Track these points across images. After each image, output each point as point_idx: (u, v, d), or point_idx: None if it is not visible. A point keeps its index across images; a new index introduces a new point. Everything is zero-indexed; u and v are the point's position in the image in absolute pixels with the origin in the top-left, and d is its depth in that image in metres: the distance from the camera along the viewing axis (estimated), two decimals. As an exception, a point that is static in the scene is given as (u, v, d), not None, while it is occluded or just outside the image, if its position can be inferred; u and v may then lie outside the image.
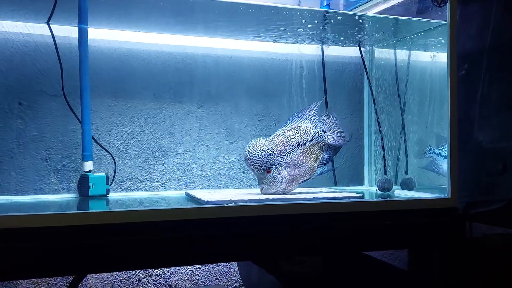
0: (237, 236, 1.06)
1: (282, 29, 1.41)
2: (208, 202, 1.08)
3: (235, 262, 1.56)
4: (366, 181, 1.64)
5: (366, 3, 1.41)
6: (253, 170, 1.21)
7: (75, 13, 1.25)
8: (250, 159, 1.18)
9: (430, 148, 1.41)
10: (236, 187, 1.54)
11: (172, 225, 1.00)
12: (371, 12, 1.43)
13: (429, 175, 1.50)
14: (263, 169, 1.19)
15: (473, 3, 1.46)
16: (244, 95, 1.57)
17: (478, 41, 1.41)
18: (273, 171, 1.20)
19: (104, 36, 1.41)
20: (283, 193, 1.23)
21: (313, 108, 1.30)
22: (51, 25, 1.29)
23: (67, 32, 1.35)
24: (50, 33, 1.29)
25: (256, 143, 1.20)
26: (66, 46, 1.36)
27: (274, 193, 1.21)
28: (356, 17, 1.38)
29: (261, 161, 1.18)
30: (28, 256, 0.91)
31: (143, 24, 1.39)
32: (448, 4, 1.21)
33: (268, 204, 1.09)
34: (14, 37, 1.33)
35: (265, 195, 1.20)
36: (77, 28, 1.28)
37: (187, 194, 1.32)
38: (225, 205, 1.05)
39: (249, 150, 1.19)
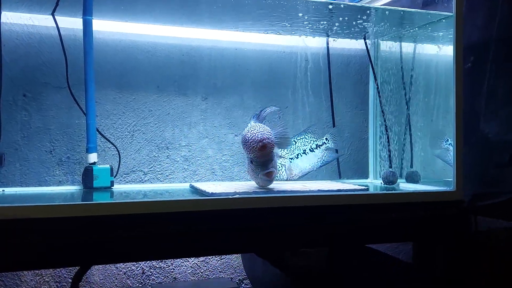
0: (241, 228, 1.06)
1: (286, 21, 1.40)
2: (212, 194, 1.08)
3: (239, 255, 1.56)
4: (371, 174, 1.63)
5: (372, -6, 1.40)
6: (269, 153, 1.12)
7: (80, 4, 1.25)
8: (271, 138, 1.11)
9: (448, 139, 1.39)
10: (241, 179, 1.54)
11: (177, 217, 1.00)
12: (377, 4, 1.41)
13: (434, 168, 1.49)
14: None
15: (480, -6, 1.45)
16: (249, 87, 1.56)
17: (484, 33, 1.40)
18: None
19: (109, 27, 1.41)
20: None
21: (267, 111, 1.23)
22: (56, 17, 1.30)
23: (71, 23, 1.34)
24: (55, 25, 1.29)
25: (263, 126, 1.13)
26: (71, 38, 1.35)
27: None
28: (362, 9, 1.37)
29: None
30: (32, 248, 0.91)
31: (148, 16, 1.38)
32: (454, -5, 1.20)
33: (273, 196, 1.09)
34: (18, 28, 1.33)
35: (271, 184, 1.16)
36: (82, 19, 1.28)
37: (192, 186, 1.32)
38: (230, 196, 1.05)
39: (268, 130, 1.11)
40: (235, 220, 1.05)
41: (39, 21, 1.34)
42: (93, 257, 0.97)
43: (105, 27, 1.40)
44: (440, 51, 1.51)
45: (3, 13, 1.26)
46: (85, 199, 1.15)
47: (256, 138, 1.10)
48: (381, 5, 1.40)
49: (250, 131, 1.11)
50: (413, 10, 1.36)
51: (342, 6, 1.32)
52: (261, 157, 1.12)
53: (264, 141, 1.09)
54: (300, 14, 1.36)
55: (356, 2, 1.46)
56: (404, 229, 1.22)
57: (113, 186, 1.28)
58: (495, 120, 1.31)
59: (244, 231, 1.06)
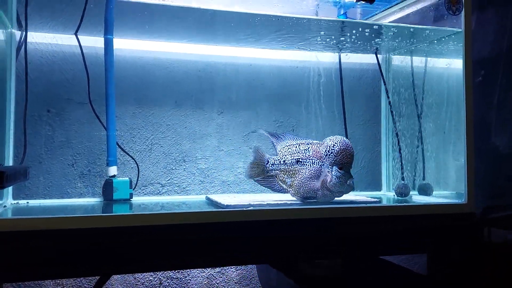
0: (256, 239, 1.08)
1: (299, 38, 1.44)
2: (227, 206, 1.11)
3: (255, 266, 1.58)
4: (383, 186, 1.65)
5: (382, 11, 1.44)
6: (351, 163, 1.21)
7: (102, 25, 1.31)
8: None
9: None
10: (255, 191, 1.57)
11: (194, 228, 1.03)
12: (387, 20, 1.45)
13: (447, 180, 1.51)
14: None
15: (490, 9, 1.47)
16: (263, 101, 1.60)
17: (494, 47, 1.42)
18: None
19: (129, 45, 1.46)
20: None
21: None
22: (78, 36, 1.36)
23: (93, 42, 1.40)
24: (77, 43, 1.35)
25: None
26: (93, 56, 1.41)
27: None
28: (373, 26, 1.40)
29: None
30: (54, 257, 0.95)
31: (166, 34, 1.44)
32: (462, 12, 1.23)
33: (286, 209, 1.12)
34: (43, 47, 1.39)
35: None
36: (103, 38, 1.33)
37: (208, 198, 1.35)
38: (244, 209, 1.09)
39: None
40: (250, 231, 1.08)
41: (62, 40, 1.40)
42: (113, 267, 1.01)
43: (125, 45, 1.46)
44: (450, 65, 1.53)
45: (29, 33, 1.32)
46: (105, 211, 1.20)
47: (346, 145, 1.20)
48: (391, 22, 1.43)
49: (341, 139, 1.20)
50: (422, 27, 1.38)
51: (353, 23, 1.36)
52: (349, 165, 1.21)
53: (351, 150, 1.21)
54: (313, 32, 1.40)
55: (366, 18, 1.49)
56: (417, 241, 1.23)
57: (132, 198, 1.33)
58: (505, 133, 1.33)
59: (258, 242, 1.09)
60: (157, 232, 1.01)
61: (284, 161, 1.23)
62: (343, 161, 1.19)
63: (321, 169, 1.20)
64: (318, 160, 1.20)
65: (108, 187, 1.30)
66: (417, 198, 1.43)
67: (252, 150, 1.29)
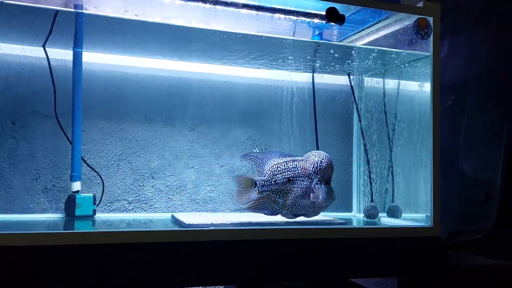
0: (219, 260, 1.07)
1: (273, 57, 1.45)
2: (189, 225, 1.10)
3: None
4: (354, 207, 1.64)
5: (355, 34, 1.44)
6: (332, 175, 1.22)
7: (72, 37, 1.29)
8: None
9: None
10: (225, 210, 1.55)
11: (154, 247, 1.02)
12: (361, 42, 1.46)
13: (418, 202, 1.51)
14: None
15: (462, 35, 1.50)
16: (237, 119, 1.59)
17: (465, 72, 1.44)
18: None
19: (99, 59, 1.45)
20: None
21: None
22: (48, 49, 1.34)
23: (64, 55, 1.38)
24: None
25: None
26: (62, 69, 1.39)
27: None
28: (346, 47, 1.41)
29: None
30: (12, 276, 0.93)
31: (139, 50, 1.43)
32: (431, 37, 1.24)
33: (249, 229, 1.11)
34: (10, 58, 1.37)
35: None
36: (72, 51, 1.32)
37: (173, 217, 1.33)
38: (205, 228, 1.07)
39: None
40: (212, 251, 1.06)
41: (31, 52, 1.38)
42: (73, 285, 0.98)
43: (96, 59, 1.44)
44: (422, 88, 1.54)
45: (-4, 44, 1.31)
46: (66, 227, 1.17)
47: (328, 158, 1.22)
48: (364, 44, 1.44)
49: (325, 155, 1.22)
50: (394, 50, 1.40)
51: (326, 45, 1.37)
52: (330, 176, 1.22)
53: (331, 163, 1.22)
54: (287, 51, 1.40)
55: (340, 40, 1.50)
56: (384, 264, 1.22)
57: (95, 214, 1.30)
58: (472, 158, 1.34)
59: (220, 262, 1.07)
60: (116, 251, 0.99)
61: (275, 180, 1.20)
62: (329, 175, 1.20)
63: (310, 186, 1.18)
64: (306, 177, 1.19)
65: (70, 203, 1.28)
66: (385, 220, 1.43)
67: (235, 178, 1.25)
